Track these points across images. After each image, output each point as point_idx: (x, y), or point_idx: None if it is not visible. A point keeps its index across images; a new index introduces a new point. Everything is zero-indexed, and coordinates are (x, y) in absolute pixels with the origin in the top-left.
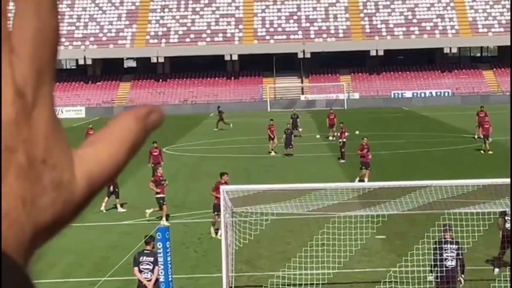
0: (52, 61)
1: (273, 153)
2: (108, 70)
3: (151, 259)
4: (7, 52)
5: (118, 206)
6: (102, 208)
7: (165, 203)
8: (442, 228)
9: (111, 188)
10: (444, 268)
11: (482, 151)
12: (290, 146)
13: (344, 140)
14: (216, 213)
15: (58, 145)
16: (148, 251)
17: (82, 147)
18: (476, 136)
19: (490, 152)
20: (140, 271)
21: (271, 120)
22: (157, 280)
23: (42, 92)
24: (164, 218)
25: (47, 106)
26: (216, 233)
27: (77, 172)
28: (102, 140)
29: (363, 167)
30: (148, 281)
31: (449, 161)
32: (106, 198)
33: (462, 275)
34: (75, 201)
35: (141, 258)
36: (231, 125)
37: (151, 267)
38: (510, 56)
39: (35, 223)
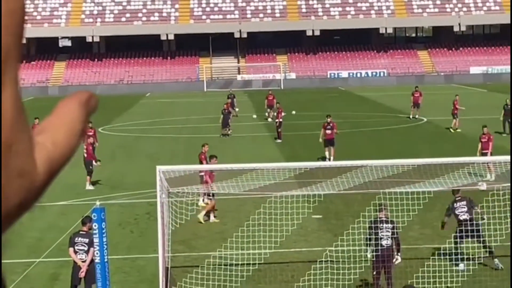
0: (17, 44)
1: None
2: (43, 49)
3: (86, 240)
4: None
5: (87, 183)
6: (87, 187)
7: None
8: (377, 208)
9: (87, 165)
10: (379, 247)
11: (451, 129)
12: (228, 126)
13: (281, 120)
14: (211, 197)
15: (22, 131)
16: (84, 232)
17: (36, 133)
18: (411, 116)
19: (458, 130)
20: (75, 252)
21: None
22: (92, 261)
23: (8, 76)
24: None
25: (13, 90)
26: (208, 217)
27: (37, 159)
28: (55, 126)
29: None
30: (82, 262)
31: (385, 141)
32: (88, 177)
33: (398, 254)
34: (37, 187)
35: (76, 239)
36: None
37: (86, 248)
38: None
39: (3, 208)
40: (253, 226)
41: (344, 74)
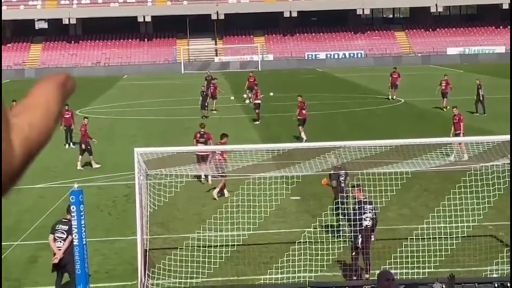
0: None
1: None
2: (19, 31)
3: (66, 227)
4: None
5: (93, 162)
6: (79, 167)
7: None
8: (356, 189)
9: (83, 146)
10: (360, 228)
11: (444, 109)
12: (206, 108)
13: (259, 101)
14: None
15: None
16: (66, 220)
17: (13, 115)
18: (390, 97)
19: (445, 109)
20: (55, 240)
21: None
22: (71, 248)
23: None
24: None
25: None
26: (222, 194)
27: (14, 141)
28: (32, 108)
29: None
30: (59, 249)
31: (362, 122)
32: (80, 157)
33: (373, 234)
34: (14, 169)
35: (57, 226)
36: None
37: (64, 236)
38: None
39: None
40: (231, 207)
41: (322, 55)
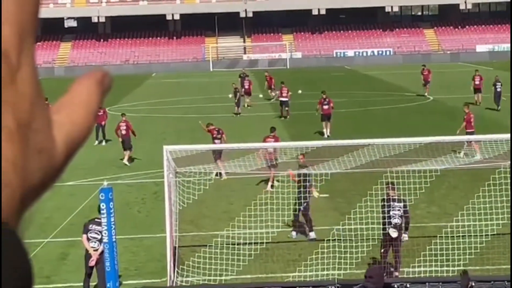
0: (33, 21)
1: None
2: (48, 30)
3: (100, 228)
4: None
5: (126, 158)
6: (126, 163)
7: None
8: (385, 186)
9: (124, 142)
10: (390, 225)
11: (478, 104)
12: (238, 105)
13: (286, 99)
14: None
15: (40, 108)
16: (99, 220)
17: (54, 112)
18: (426, 94)
19: (479, 104)
20: (88, 239)
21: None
22: (103, 251)
23: (25, 53)
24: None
25: (30, 67)
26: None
27: (57, 137)
28: (73, 104)
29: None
30: (94, 250)
31: (391, 119)
32: (128, 152)
33: (406, 232)
34: (57, 165)
35: (90, 226)
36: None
37: (99, 237)
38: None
39: (25, 186)
40: (260, 205)
41: (350, 53)
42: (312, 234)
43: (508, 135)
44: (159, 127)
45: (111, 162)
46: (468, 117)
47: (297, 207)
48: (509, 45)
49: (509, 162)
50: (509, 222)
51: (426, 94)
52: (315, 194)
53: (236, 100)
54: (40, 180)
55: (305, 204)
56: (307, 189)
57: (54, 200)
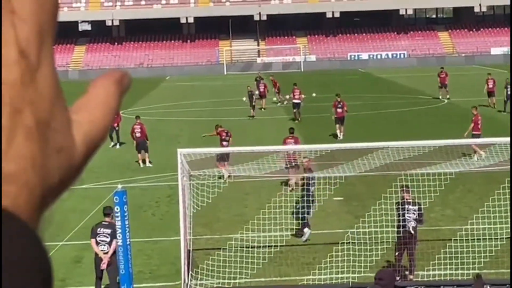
0: (52, 21)
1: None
2: (63, 33)
3: (109, 231)
4: (8, 14)
5: (141, 161)
6: (148, 164)
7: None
8: (400, 189)
9: (139, 144)
10: (404, 229)
11: (492, 107)
12: (253, 108)
13: (298, 101)
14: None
15: (60, 108)
16: (107, 223)
17: (73, 112)
18: (440, 97)
19: (494, 107)
20: (97, 243)
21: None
22: (114, 253)
23: (44, 53)
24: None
25: (49, 67)
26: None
27: (76, 137)
28: (91, 104)
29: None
30: (104, 253)
31: (405, 122)
32: (146, 154)
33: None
34: (76, 165)
35: (98, 229)
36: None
37: (108, 240)
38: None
39: (44, 185)
40: (274, 208)
41: (364, 56)
42: (305, 237)
43: None
44: (173, 130)
45: (125, 165)
46: (476, 119)
47: (300, 210)
48: None
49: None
50: None
51: (440, 97)
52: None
53: (253, 103)
54: (59, 179)
55: (309, 207)
56: (311, 193)
57: (68, 203)
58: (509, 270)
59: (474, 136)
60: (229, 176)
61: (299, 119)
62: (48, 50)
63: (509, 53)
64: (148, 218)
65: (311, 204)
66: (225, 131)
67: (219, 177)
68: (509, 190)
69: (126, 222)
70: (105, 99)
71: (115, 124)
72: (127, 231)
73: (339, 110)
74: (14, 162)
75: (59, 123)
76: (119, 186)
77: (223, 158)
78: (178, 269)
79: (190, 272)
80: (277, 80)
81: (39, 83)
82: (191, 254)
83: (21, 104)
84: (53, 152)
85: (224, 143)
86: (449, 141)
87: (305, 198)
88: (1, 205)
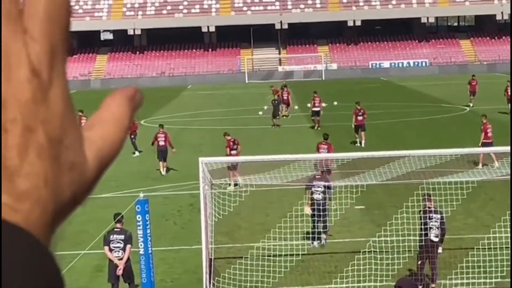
0: (64, 39)
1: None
2: (85, 42)
3: (122, 236)
4: (20, 33)
5: (163, 168)
6: (163, 173)
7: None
8: (421, 198)
9: (161, 152)
10: (426, 237)
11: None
12: (278, 117)
13: (318, 109)
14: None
15: (72, 125)
16: (119, 229)
17: (85, 129)
18: (471, 104)
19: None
20: (111, 250)
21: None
22: (128, 258)
23: (56, 71)
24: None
25: (61, 85)
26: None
27: (88, 153)
28: (103, 120)
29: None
30: (119, 259)
31: (427, 130)
32: (164, 163)
33: (441, 245)
34: (88, 181)
35: (111, 236)
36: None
37: (122, 245)
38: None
39: (56, 202)
40: (296, 217)
41: (386, 64)
42: (316, 243)
43: None
44: (195, 139)
45: (146, 174)
46: (484, 128)
47: (315, 218)
48: None
49: None
50: None
51: (471, 104)
52: (307, 210)
53: (278, 112)
54: (72, 195)
55: (325, 215)
56: (326, 201)
57: (90, 212)
58: None
59: (484, 144)
60: (235, 185)
61: (319, 127)
62: (60, 67)
63: None
64: (170, 226)
65: (327, 213)
66: (232, 140)
67: (241, 185)
68: None
69: (148, 231)
70: (117, 115)
71: (132, 133)
72: (149, 240)
73: (359, 117)
74: (26, 180)
75: (70, 140)
76: (141, 194)
77: (232, 166)
78: (200, 278)
79: (212, 281)
80: (278, 90)
81: (51, 101)
82: (212, 263)
83: (33, 122)
84: (65, 169)
85: (233, 152)
86: (471, 149)
87: (321, 207)
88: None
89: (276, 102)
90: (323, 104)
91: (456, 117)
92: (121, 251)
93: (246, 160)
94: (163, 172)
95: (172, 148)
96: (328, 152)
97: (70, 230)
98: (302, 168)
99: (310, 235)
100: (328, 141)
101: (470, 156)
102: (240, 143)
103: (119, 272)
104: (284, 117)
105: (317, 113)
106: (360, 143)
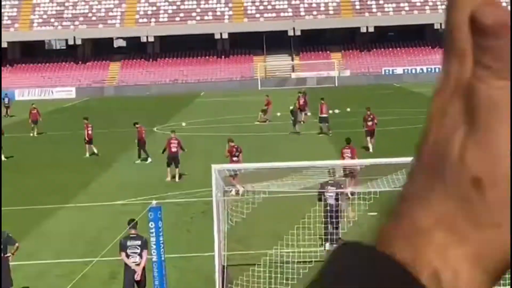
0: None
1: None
2: (98, 50)
3: (138, 242)
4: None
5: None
6: (176, 179)
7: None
8: None
9: (171, 159)
10: None
11: None
12: (299, 123)
13: (325, 115)
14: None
15: None
16: (134, 235)
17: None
18: None
19: None
20: (128, 256)
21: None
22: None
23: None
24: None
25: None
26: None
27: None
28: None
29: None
30: (137, 265)
31: None
32: (176, 169)
33: None
34: None
35: (128, 242)
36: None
37: (139, 251)
38: None
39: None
40: (308, 224)
41: (399, 70)
42: (328, 245)
43: None
44: (208, 146)
45: (159, 181)
46: None
47: (328, 224)
48: None
49: None
50: None
51: None
52: (351, 214)
53: (297, 120)
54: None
55: (338, 222)
56: (339, 208)
57: (103, 220)
58: None
59: None
60: (236, 192)
61: (330, 133)
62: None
63: None
64: (183, 234)
65: (339, 220)
66: (235, 147)
67: (254, 193)
68: None
69: (161, 238)
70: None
71: (140, 140)
72: (161, 247)
73: (369, 123)
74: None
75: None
76: (154, 202)
77: (234, 174)
78: (213, 285)
79: None
80: (271, 100)
81: None
82: (225, 270)
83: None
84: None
85: (235, 158)
86: None
87: (334, 214)
88: None
89: (297, 109)
90: (329, 111)
91: None
92: (138, 256)
93: (258, 167)
94: (177, 179)
95: (184, 150)
96: (352, 156)
97: (82, 237)
98: (315, 175)
99: (323, 237)
100: (351, 145)
101: None
102: (242, 151)
103: (138, 277)
104: (302, 122)
105: (325, 119)
106: (368, 148)
